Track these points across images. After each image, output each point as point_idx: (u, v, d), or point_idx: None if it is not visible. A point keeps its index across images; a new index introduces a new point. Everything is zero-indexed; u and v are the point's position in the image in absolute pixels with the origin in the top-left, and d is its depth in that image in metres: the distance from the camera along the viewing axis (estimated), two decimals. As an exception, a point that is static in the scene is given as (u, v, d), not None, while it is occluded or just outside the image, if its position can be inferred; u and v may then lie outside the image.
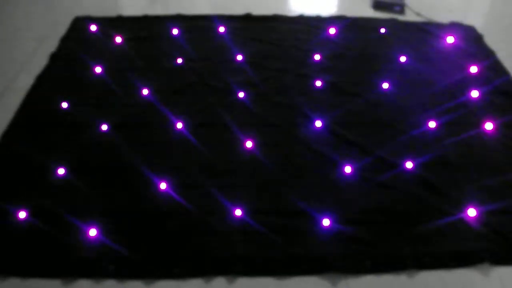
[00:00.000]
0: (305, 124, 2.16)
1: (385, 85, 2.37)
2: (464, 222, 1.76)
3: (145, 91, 2.28)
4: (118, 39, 2.65)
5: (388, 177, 1.92)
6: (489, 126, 2.13)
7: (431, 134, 2.11)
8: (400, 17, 2.96)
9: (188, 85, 2.36)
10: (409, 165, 1.95)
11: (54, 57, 2.53)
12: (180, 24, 2.78)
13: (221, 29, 2.75)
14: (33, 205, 1.76)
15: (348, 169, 1.93)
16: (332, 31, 2.76)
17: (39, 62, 2.49)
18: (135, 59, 2.53)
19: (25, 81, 2.35)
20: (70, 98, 2.24)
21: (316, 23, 2.86)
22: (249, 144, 2.03)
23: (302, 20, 2.90)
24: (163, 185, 1.84)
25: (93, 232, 1.67)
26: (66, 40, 2.68)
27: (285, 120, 2.18)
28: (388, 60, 2.57)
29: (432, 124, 2.14)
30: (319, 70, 2.49)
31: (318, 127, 2.14)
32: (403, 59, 2.55)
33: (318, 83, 2.38)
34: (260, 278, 1.61)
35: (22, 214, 1.72)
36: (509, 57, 2.59)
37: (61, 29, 2.76)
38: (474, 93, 2.31)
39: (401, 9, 3.03)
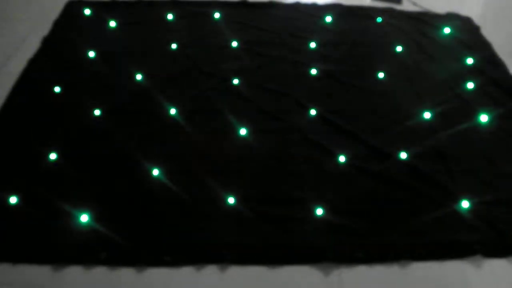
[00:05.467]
0: (299, 112, 2.14)
1: (381, 75, 2.36)
2: (458, 214, 1.76)
3: (139, 76, 2.26)
4: (112, 24, 2.62)
5: (382, 167, 1.91)
6: (484, 117, 2.13)
7: (425, 125, 2.11)
8: (397, 7, 2.94)
9: (182, 71, 2.34)
10: (403, 155, 1.95)
11: (47, 41, 2.49)
12: (175, 9, 2.74)
13: (216, 15, 2.72)
14: (25, 191, 1.74)
15: (342, 159, 1.93)
16: (328, 19, 2.74)
17: (32, 46, 2.44)
18: (129, 44, 2.50)
19: (17, 65, 2.31)
20: (62, 82, 2.21)
21: (312, 11, 2.83)
22: (243, 131, 2.02)
23: (298, 8, 2.87)
24: (155, 172, 1.83)
25: (84, 218, 1.66)
26: (59, 24, 2.62)
27: (279, 108, 2.16)
28: (384, 50, 2.55)
29: (427, 115, 2.13)
30: (315, 58, 2.47)
31: (313, 116, 2.13)
32: (399, 49, 2.54)
33: (313, 71, 2.36)
34: (252, 267, 1.61)
35: (13, 199, 1.71)
36: (505, 49, 2.58)
37: (54, 12, 2.71)
38: (470, 85, 2.31)
39: (398, -2, 3.01)
